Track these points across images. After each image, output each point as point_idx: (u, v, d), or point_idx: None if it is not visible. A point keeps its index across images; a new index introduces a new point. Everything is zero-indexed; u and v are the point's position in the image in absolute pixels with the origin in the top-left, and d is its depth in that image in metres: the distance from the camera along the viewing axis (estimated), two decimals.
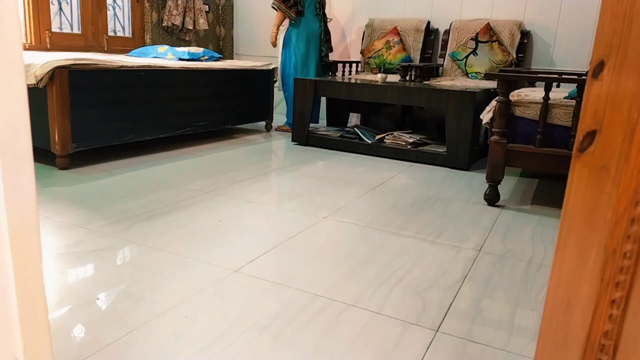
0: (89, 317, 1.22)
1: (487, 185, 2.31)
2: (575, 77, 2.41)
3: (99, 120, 2.67)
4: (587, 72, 0.53)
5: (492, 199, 2.30)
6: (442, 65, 3.92)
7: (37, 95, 2.45)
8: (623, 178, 0.48)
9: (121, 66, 2.73)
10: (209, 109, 3.44)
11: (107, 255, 1.57)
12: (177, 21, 4.45)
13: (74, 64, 2.47)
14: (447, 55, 3.87)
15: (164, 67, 3.04)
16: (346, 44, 4.62)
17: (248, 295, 1.36)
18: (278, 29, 3.93)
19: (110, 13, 4.06)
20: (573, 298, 0.54)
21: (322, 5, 3.95)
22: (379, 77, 3.46)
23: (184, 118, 3.24)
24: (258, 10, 4.97)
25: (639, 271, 0.49)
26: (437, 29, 4.11)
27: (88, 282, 1.39)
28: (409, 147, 3.20)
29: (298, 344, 1.15)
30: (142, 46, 4.22)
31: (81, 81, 2.53)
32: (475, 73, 3.67)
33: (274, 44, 3.99)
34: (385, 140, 3.35)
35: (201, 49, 3.70)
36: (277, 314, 1.27)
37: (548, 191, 2.64)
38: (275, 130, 4.12)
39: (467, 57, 3.72)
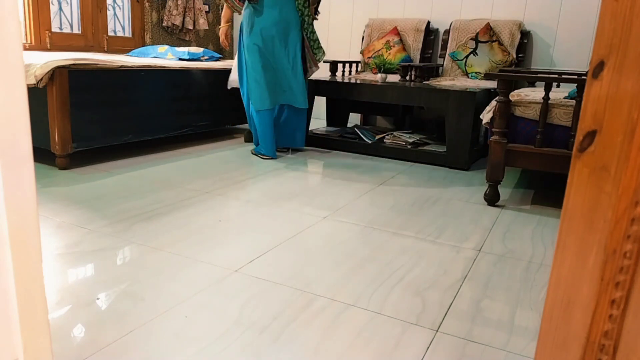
0: (89, 317, 1.21)
1: (487, 185, 2.31)
2: (575, 77, 2.40)
3: (99, 120, 2.67)
4: (587, 72, 0.53)
5: (492, 199, 2.30)
6: (442, 65, 3.91)
7: (37, 95, 2.45)
8: (623, 178, 0.48)
9: (121, 66, 2.73)
10: (209, 109, 3.44)
11: (107, 255, 1.57)
12: (177, 21, 4.45)
13: (74, 64, 2.47)
14: (447, 55, 3.87)
15: (164, 67, 3.04)
16: (346, 44, 4.61)
17: (248, 295, 1.36)
18: (228, 23, 3.27)
19: (110, 13, 4.06)
20: (573, 298, 0.54)
21: None
22: (379, 77, 3.46)
23: (184, 118, 3.24)
24: None
25: (639, 271, 0.49)
26: (437, 29, 4.11)
27: (88, 282, 1.39)
28: (409, 147, 3.20)
29: (298, 344, 1.15)
30: (142, 46, 4.22)
31: (81, 81, 2.53)
32: (475, 73, 3.66)
33: (226, 45, 3.28)
34: (385, 140, 3.35)
35: (201, 49, 3.70)
36: (277, 314, 1.27)
37: (548, 191, 2.64)
38: (252, 153, 3.16)
39: (467, 57, 3.72)
